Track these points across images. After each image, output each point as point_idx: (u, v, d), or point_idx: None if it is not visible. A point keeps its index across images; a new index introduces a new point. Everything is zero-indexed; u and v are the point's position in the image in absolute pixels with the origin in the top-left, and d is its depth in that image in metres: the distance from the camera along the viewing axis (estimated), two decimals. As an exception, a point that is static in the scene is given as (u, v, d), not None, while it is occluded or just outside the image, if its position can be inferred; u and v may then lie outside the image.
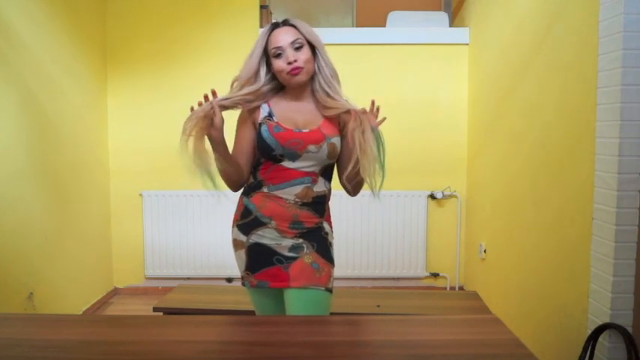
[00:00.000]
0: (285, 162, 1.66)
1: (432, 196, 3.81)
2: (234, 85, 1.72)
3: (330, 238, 1.76)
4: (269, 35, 1.67)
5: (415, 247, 3.82)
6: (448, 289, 3.85)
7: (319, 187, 1.70)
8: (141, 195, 3.82)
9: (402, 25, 3.82)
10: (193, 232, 3.81)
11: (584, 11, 2.11)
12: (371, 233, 3.78)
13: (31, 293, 2.77)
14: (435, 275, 3.87)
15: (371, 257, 3.81)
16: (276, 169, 1.67)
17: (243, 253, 1.75)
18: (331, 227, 1.78)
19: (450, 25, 3.91)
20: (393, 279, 3.86)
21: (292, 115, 1.69)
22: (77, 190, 3.36)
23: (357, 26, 4.50)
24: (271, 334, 1.38)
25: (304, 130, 1.67)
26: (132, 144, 3.81)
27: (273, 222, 1.68)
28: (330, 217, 1.78)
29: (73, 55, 3.31)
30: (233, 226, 1.77)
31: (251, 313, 1.85)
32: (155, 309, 2.68)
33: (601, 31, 1.96)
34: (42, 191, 2.95)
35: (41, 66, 2.95)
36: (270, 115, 1.69)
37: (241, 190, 1.79)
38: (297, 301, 1.67)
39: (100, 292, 3.68)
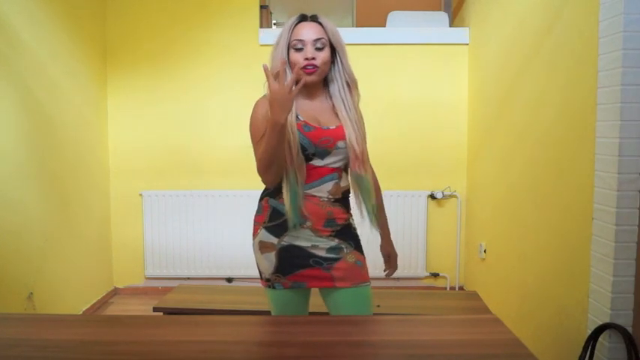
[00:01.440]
0: (315, 160, 1.66)
1: (432, 196, 3.80)
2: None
3: (357, 232, 1.80)
4: (294, 27, 1.66)
5: (415, 247, 3.82)
6: (448, 289, 3.85)
7: (344, 181, 1.72)
8: (141, 195, 3.82)
9: (402, 25, 3.82)
10: (193, 232, 3.81)
11: (584, 11, 2.11)
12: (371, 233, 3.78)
13: (31, 293, 2.77)
14: (435, 275, 3.87)
15: (371, 257, 3.79)
16: (306, 168, 1.65)
17: (272, 255, 1.70)
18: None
19: (450, 25, 3.90)
20: (393, 279, 3.85)
21: (314, 113, 1.69)
22: (77, 191, 3.36)
23: (357, 26, 4.51)
24: (271, 334, 1.38)
25: (331, 127, 1.67)
26: (132, 144, 3.81)
27: (308, 222, 1.67)
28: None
29: (73, 55, 3.31)
30: (259, 229, 1.73)
31: (251, 313, 1.85)
32: (155, 309, 2.68)
33: (601, 31, 1.96)
34: (42, 191, 2.95)
35: (41, 66, 2.95)
36: (296, 115, 1.66)
37: (262, 193, 1.76)
38: (349, 301, 1.70)
39: (100, 292, 3.68)
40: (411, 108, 3.79)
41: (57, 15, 3.11)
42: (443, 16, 3.88)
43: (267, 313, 1.78)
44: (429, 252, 3.85)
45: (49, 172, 3.02)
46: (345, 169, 1.73)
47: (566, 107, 2.27)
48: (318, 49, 1.64)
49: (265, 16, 3.95)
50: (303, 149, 1.63)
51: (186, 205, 3.79)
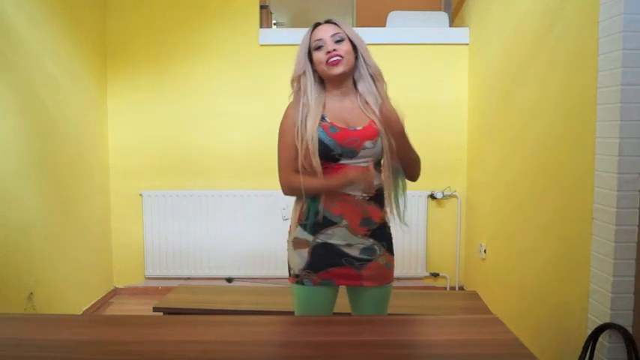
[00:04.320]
0: (343, 160, 1.67)
1: (432, 196, 3.80)
2: (294, 84, 1.76)
3: (391, 230, 1.80)
4: (312, 32, 1.72)
5: (415, 247, 3.82)
6: (448, 289, 3.85)
7: (377, 180, 1.71)
8: (141, 195, 3.82)
9: (402, 25, 3.82)
10: (193, 232, 3.81)
11: (584, 11, 2.11)
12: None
13: (31, 293, 2.77)
14: (435, 275, 3.87)
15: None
16: (335, 168, 1.68)
17: (305, 252, 1.73)
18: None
19: (450, 25, 3.90)
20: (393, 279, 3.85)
21: (342, 114, 1.71)
22: (77, 191, 3.36)
23: (357, 26, 4.50)
24: (271, 334, 1.39)
25: (358, 128, 1.69)
26: (132, 144, 3.81)
27: (344, 221, 1.69)
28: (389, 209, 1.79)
29: (73, 56, 3.31)
30: (295, 227, 1.76)
31: (251, 313, 1.85)
32: (155, 309, 2.69)
33: (601, 31, 1.96)
34: (42, 191, 2.95)
35: (41, 66, 2.95)
36: (322, 117, 1.69)
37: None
38: (373, 299, 1.77)
39: (100, 292, 3.68)
40: (411, 108, 3.72)
41: (57, 15, 3.11)
42: (443, 16, 3.88)
43: (267, 313, 1.78)
44: (429, 252, 3.85)
45: (49, 172, 3.02)
46: (376, 165, 1.72)
47: (566, 107, 2.27)
48: (338, 42, 1.69)
49: (265, 17, 3.95)
50: (329, 150, 1.66)
51: (186, 205, 3.79)
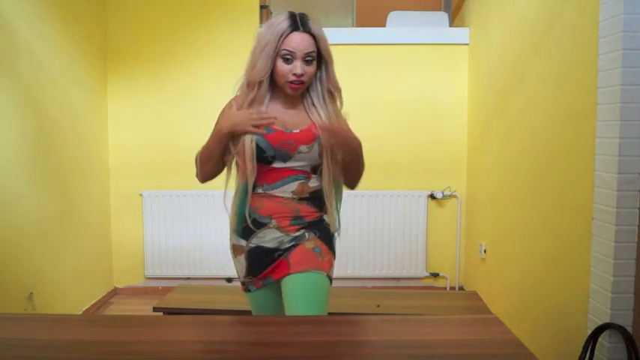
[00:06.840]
0: (276, 163, 1.64)
1: (432, 196, 3.80)
2: (243, 81, 1.69)
3: (332, 229, 1.74)
4: (286, 36, 1.58)
5: (415, 247, 3.82)
6: (448, 289, 3.85)
7: (314, 182, 1.68)
8: (141, 195, 3.82)
9: (402, 25, 3.82)
10: (193, 232, 3.81)
11: (584, 11, 2.11)
12: (371, 233, 3.78)
13: (31, 293, 2.77)
14: (435, 275, 3.87)
15: (371, 257, 3.81)
16: (267, 171, 1.65)
17: (243, 258, 1.73)
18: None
19: (450, 25, 3.90)
20: (393, 279, 3.85)
21: (281, 116, 1.66)
22: (77, 191, 3.36)
23: (357, 26, 4.50)
24: (271, 334, 1.38)
25: (295, 131, 1.64)
26: (132, 144, 3.81)
27: (273, 221, 1.66)
28: (329, 211, 1.75)
29: (73, 57, 3.31)
30: (231, 233, 1.75)
31: (250, 313, 1.85)
32: (155, 309, 2.69)
33: (601, 31, 1.95)
34: (42, 191, 2.95)
35: (42, 68, 2.95)
36: None
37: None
38: (297, 286, 1.62)
39: (100, 292, 3.68)
40: (411, 108, 3.79)
41: (57, 16, 3.11)
42: (443, 16, 3.88)
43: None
44: (429, 252, 3.85)
45: (49, 172, 3.02)
46: (314, 172, 1.68)
47: (566, 107, 2.27)
48: (307, 63, 1.60)
49: (265, 16, 3.94)
50: (262, 151, 1.62)
51: (186, 205, 3.79)
